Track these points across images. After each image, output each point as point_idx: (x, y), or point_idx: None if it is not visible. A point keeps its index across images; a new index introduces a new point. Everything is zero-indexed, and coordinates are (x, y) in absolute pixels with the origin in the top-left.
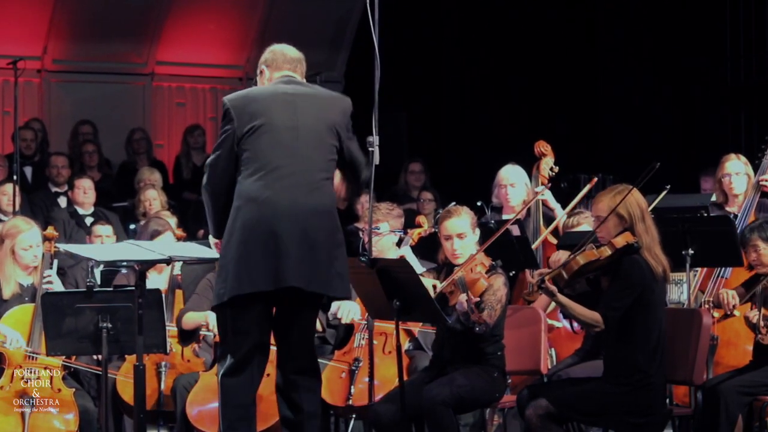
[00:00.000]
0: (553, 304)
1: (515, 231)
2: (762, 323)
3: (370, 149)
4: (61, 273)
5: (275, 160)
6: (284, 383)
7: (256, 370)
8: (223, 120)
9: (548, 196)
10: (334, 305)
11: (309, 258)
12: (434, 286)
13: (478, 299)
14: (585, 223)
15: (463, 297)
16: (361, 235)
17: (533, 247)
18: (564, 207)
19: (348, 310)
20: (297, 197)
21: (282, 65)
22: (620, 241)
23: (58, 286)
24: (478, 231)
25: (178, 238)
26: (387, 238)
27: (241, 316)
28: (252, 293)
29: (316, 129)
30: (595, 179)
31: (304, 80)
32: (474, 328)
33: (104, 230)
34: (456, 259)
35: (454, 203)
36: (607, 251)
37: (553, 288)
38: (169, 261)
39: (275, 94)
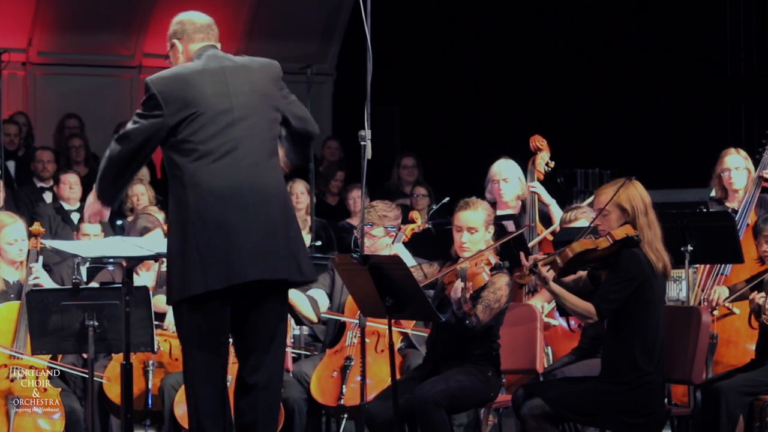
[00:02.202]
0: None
1: (510, 227)
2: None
3: (362, 143)
4: (47, 270)
5: (215, 148)
6: (241, 391)
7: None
8: (146, 102)
9: (541, 191)
10: None
11: (266, 245)
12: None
13: (474, 292)
14: (582, 218)
15: (459, 284)
16: (355, 233)
17: (530, 245)
18: (560, 203)
19: None
20: (243, 182)
21: (194, 35)
22: (620, 233)
23: (45, 279)
24: (492, 229)
25: (167, 234)
26: (381, 240)
27: (200, 314)
28: (207, 292)
29: (252, 107)
30: None
31: (219, 46)
32: (464, 320)
33: (92, 229)
34: (463, 252)
35: (474, 197)
36: (605, 242)
37: (547, 274)
38: (157, 257)
39: (204, 75)
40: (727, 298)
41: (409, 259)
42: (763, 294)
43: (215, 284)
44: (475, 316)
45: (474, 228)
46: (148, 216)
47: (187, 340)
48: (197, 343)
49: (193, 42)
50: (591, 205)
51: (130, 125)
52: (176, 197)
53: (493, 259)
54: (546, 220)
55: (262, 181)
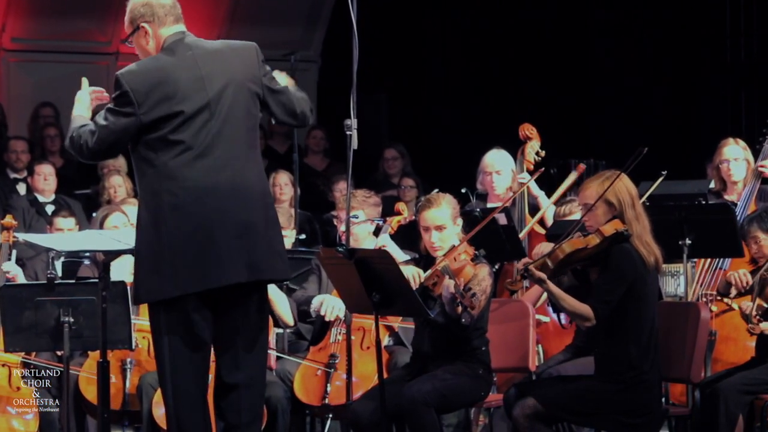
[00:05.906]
0: (542, 297)
1: (502, 220)
2: (754, 312)
3: (348, 133)
4: (20, 265)
5: (192, 144)
6: (222, 390)
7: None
8: (118, 99)
9: (531, 183)
10: (316, 300)
11: (245, 245)
12: (418, 275)
13: (467, 285)
14: (577, 212)
15: (450, 282)
16: (336, 224)
17: (520, 237)
18: (550, 194)
19: (332, 307)
20: (221, 179)
21: (165, 18)
22: (609, 229)
23: (19, 275)
24: (460, 221)
25: (137, 229)
26: (362, 226)
27: (176, 314)
28: (183, 295)
29: (228, 98)
30: (583, 166)
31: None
32: (460, 319)
33: (66, 223)
34: (435, 252)
35: (436, 190)
36: (595, 239)
37: (541, 275)
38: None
39: (178, 69)
40: (749, 283)
41: (397, 252)
42: (749, 303)
43: (188, 287)
44: (468, 313)
45: (442, 225)
46: (107, 206)
47: (164, 339)
48: (175, 342)
49: (165, 26)
50: (574, 193)
51: (100, 120)
52: (150, 192)
53: (470, 250)
54: (536, 212)
55: (241, 177)
